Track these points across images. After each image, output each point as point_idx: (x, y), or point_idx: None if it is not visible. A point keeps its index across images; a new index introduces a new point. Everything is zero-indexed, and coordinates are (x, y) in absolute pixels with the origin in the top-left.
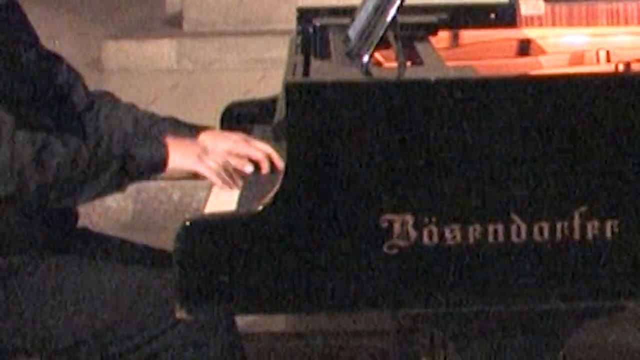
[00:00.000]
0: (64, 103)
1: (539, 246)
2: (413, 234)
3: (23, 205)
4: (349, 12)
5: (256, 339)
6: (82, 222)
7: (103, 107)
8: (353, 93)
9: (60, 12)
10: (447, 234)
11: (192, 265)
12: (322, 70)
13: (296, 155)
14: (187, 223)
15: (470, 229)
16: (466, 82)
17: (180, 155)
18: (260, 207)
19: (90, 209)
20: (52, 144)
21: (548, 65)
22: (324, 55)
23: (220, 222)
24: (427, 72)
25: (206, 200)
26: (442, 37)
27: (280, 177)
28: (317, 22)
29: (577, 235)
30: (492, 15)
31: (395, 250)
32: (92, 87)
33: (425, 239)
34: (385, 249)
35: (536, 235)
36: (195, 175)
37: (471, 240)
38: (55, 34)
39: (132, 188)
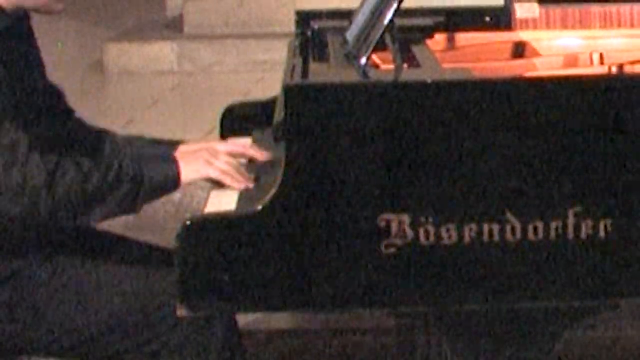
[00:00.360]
0: (71, 129)
1: (534, 245)
2: (410, 233)
3: (35, 224)
4: (347, 15)
5: (256, 336)
6: None
7: (105, 136)
8: (351, 95)
9: (63, 15)
10: (443, 234)
11: (192, 264)
12: (320, 72)
13: (295, 155)
14: (188, 222)
15: (466, 228)
16: (462, 84)
17: (190, 167)
18: (260, 207)
19: None
20: (64, 165)
21: (542, 67)
22: (322, 57)
23: (220, 221)
24: (423, 74)
25: (206, 200)
26: (439, 40)
27: (279, 177)
28: (316, 25)
29: (571, 234)
30: (488, 18)
31: (392, 250)
32: (94, 88)
33: (422, 238)
34: (382, 248)
35: (531, 235)
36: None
37: (467, 239)
38: (58, 36)
39: None
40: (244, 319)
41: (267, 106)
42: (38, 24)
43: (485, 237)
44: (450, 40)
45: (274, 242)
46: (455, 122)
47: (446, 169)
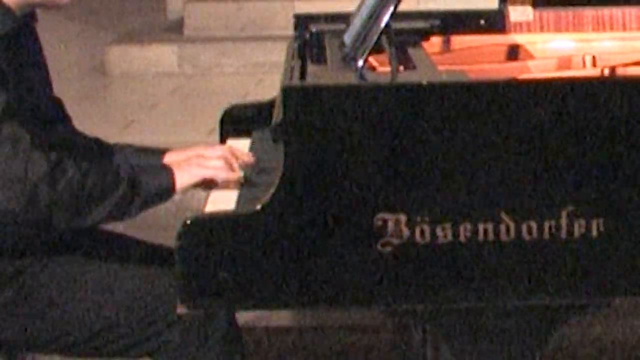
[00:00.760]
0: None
1: (528, 244)
2: (406, 232)
3: (33, 224)
4: (345, 18)
5: (255, 333)
6: None
7: (99, 144)
8: (348, 96)
9: (66, 18)
10: (439, 233)
11: (192, 262)
12: (318, 75)
13: (293, 156)
14: (188, 222)
15: (461, 227)
16: (457, 86)
17: (184, 173)
18: (259, 207)
19: None
20: (65, 163)
21: (536, 69)
22: (320, 59)
23: (220, 220)
24: (419, 76)
25: (206, 199)
26: (434, 43)
27: (278, 177)
28: (314, 28)
29: (564, 234)
30: (482, 22)
31: (388, 248)
32: (96, 90)
33: (418, 237)
34: (379, 246)
35: (524, 234)
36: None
37: (462, 238)
38: (61, 39)
39: None
40: (243, 317)
41: (266, 108)
42: (41, 27)
43: (480, 236)
44: (446, 43)
45: (272, 241)
46: (450, 123)
47: (442, 170)
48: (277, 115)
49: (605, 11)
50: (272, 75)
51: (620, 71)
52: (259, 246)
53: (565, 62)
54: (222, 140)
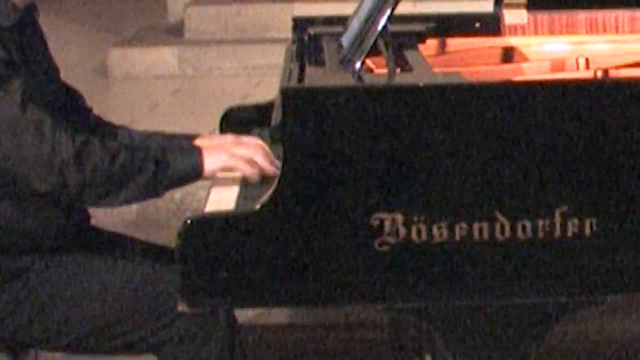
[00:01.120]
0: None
1: (522, 243)
2: (403, 231)
3: (64, 202)
4: (342, 21)
5: (254, 331)
6: None
7: (125, 130)
8: (345, 98)
9: (68, 21)
10: (435, 232)
11: (193, 261)
12: (316, 76)
13: (292, 156)
14: (188, 221)
15: (457, 227)
16: (453, 88)
17: (213, 157)
18: (258, 206)
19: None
20: (92, 143)
21: (530, 71)
22: (318, 62)
23: (220, 220)
24: (415, 78)
25: (206, 199)
26: (430, 45)
27: (277, 177)
28: (312, 31)
29: (557, 233)
30: (478, 24)
31: (386, 247)
32: (98, 92)
33: (415, 236)
34: (376, 245)
35: (519, 233)
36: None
37: (458, 237)
38: (63, 42)
39: None
40: (242, 314)
41: (265, 109)
42: (44, 29)
43: (476, 235)
44: (442, 46)
45: (271, 240)
46: (446, 124)
47: (438, 170)
48: (276, 116)
49: (599, 14)
50: (271, 77)
51: (613, 73)
52: (258, 245)
53: (559, 64)
54: None
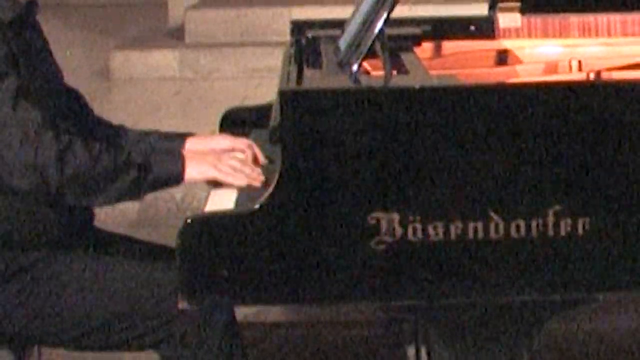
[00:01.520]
0: (86, 118)
1: (516, 242)
2: (399, 230)
3: (45, 200)
4: (340, 24)
5: (253, 328)
6: None
7: (120, 130)
8: (343, 100)
9: (72, 25)
10: (431, 231)
11: (193, 259)
12: (314, 79)
13: (290, 157)
14: (189, 221)
15: (452, 226)
16: (448, 90)
17: (196, 168)
18: (257, 206)
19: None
20: (75, 145)
21: (524, 74)
22: (316, 64)
23: (220, 219)
24: (411, 80)
25: (206, 199)
26: (426, 48)
27: (275, 177)
28: (310, 34)
29: (551, 232)
30: (472, 28)
31: (382, 246)
32: (101, 94)
33: (410, 236)
34: (372, 244)
35: (513, 232)
36: (215, 183)
37: (453, 236)
38: (66, 45)
39: None
40: (242, 312)
41: (264, 110)
42: (47, 33)
43: (470, 234)
44: (437, 49)
45: (270, 239)
46: (441, 125)
47: (433, 170)
48: (275, 117)
49: (591, 18)
50: (270, 79)
51: (605, 75)
52: (256, 244)
53: (552, 66)
54: None
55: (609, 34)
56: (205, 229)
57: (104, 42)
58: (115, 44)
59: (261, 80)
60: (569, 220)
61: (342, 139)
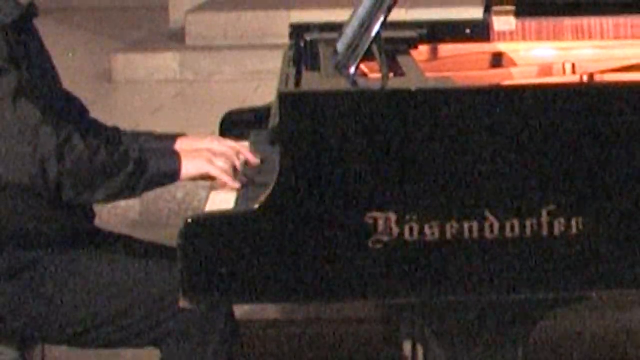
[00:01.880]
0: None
1: (511, 242)
2: (395, 230)
3: (45, 197)
4: (338, 27)
5: (251, 325)
6: None
7: (116, 131)
8: (340, 102)
9: (73, 27)
10: (427, 230)
11: (193, 258)
12: (312, 81)
13: (288, 158)
14: (189, 220)
15: (448, 225)
16: (444, 92)
17: (191, 163)
18: (256, 206)
19: (100, 206)
20: (74, 138)
21: (518, 76)
22: (314, 67)
23: (220, 219)
24: (408, 82)
25: (206, 199)
26: (422, 51)
27: (274, 178)
28: (308, 37)
29: (545, 231)
30: (468, 31)
31: (379, 245)
32: (102, 96)
33: (407, 235)
34: (369, 244)
35: (508, 232)
36: (209, 178)
37: (448, 236)
38: (68, 47)
39: None
40: (241, 310)
41: (262, 113)
42: (50, 35)
43: (466, 234)
44: (433, 51)
45: (269, 239)
46: (437, 127)
47: (429, 171)
48: (274, 119)
49: (584, 21)
50: (269, 81)
51: (598, 77)
52: (256, 243)
53: (546, 69)
54: None
55: (602, 37)
56: (206, 229)
57: (105, 45)
58: (117, 46)
59: (260, 82)
60: (562, 220)
61: (340, 140)
